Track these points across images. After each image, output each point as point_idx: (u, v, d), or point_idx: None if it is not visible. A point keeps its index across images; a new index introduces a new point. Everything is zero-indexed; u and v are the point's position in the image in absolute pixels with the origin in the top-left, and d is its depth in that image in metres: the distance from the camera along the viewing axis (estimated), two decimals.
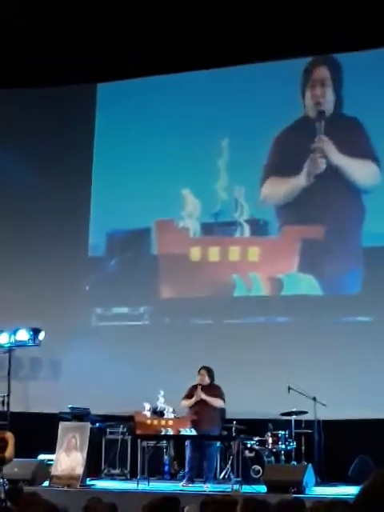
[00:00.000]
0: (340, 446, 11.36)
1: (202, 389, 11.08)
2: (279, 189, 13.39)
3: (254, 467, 11.37)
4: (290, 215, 13.32)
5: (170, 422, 10.91)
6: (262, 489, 10.09)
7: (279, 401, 11.59)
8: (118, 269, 14.21)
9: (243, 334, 12.86)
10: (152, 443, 11.59)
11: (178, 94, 14.15)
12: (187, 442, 11.19)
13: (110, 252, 14.34)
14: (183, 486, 10.75)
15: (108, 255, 14.35)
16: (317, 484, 10.64)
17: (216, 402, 11.05)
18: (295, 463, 11.30)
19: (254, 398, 12.05)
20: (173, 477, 12.17)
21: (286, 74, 13.47)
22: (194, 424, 10.86)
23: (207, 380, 11.20)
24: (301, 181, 13.25)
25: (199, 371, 11.24)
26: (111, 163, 14.44)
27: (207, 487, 10.51)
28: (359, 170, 12.99)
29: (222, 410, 11.44)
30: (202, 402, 11.02)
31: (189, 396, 11.20)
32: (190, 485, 10.76)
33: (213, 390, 11.16)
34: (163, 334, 13.41)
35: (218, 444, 11.41)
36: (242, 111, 13.67)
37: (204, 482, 10.74)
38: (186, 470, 11.07)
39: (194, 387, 11.21)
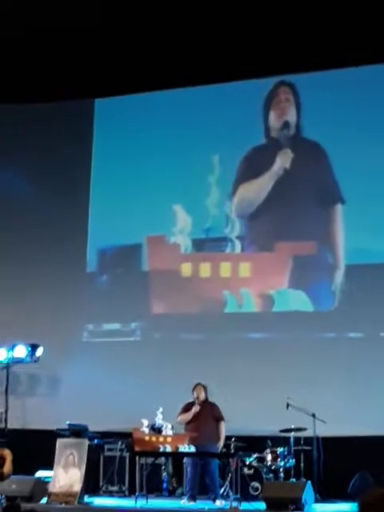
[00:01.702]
0: (339, 462, 11.31)
1: (199, 405, 11.04)
2: (248, 193, 13.42)
3: (252, 484, 11.32)
4: (281, 231, 13.34)
5: (169, 439, 10.87)
6: (261, 506, 10.05)
7: (278, 417, 11.54)
8: (110, 284, 14.20)
9: (237, 351, 12.84)
10: (150, 460, 11.53)
11: (168, 110, 14.21)
12: (186, 460, 11.15)
13: (101, 268, 14.33)
14: (185, 503, 10.67)
15: (99, 271, 14.34)
16: (316, 501, 10.60)
17: (223, 431, 11.05)
18: (294, 480, 11.24)
19: (252, 414, 12.00)
20: (171, 494, 12.11)
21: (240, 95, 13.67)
22: (194, 440, 10.82)
23: (204, 396, 11.20)
24: (266, 180, 13.31)
25: (195, 388, 11.21)
26: (107, 178, 14.47)
27: (221, 504, 10.47)
28: (321, 187, 13.14)
29: None
30: (200, 417, 10.98)
31: (183, 412, 11.15)
32: (192, 503, 10.70)
33: (210, 406, 11.13)
34: (157, 349, 13.38)
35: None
36: (233, 127, 13.70)
37: (213, 500, 10.66)
38: (187, 488, 11.00)
39: (189, 404, 11.16)
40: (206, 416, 11.03)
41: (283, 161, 13.31)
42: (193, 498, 10.81)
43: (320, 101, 13.22)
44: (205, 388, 11.23)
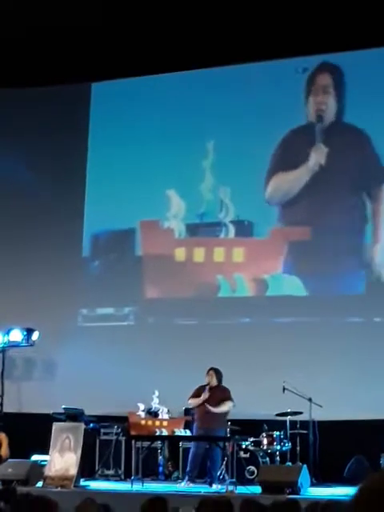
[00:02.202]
0: (335, 446, 11.33)
1: (210, 390, 11.00)
2: (283, 185, 13.34)
3: (248, 468, 11.33)
4: (276, 216, 13.30)
5: (165, 423, 10.88)
6: (257, 490, 10.05)
7: (274, 401, 11.55)
8: (103, 269, 14.18)
9: (232, 335, 12.82)
10: (146, 444, 11.53)
11: (164, 95, 14.12)
12: (190, 444, 11.15)
13: (95, 252, 14.32)
14: (184, 486, 10.67)
15: (93, 256, 14.32)
16: (312, 485, 10.60)
17: (224, 408, 10.97)
18: (290, 464, 11.26)
19: (249, 398, 12.00)
20: (167, 477, 12.14)
21: (275, 77, 13.47)
22: (200, 423, 10.82)
23: (215, 381, 11.10)
24: (303, 174, 13.20)
25: (208, 372, 11.15)
26: (102, 163, 14.41)
27: (218, 488, 10.44)
28: (358, 169, 12.97)
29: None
30: (208, 402, 10.92)
31: (196, 395, 11.11)
32: (192, 485, 10.69)
33: (220, 391, 11.06)
34: (152, 334, 13.36)
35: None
36: (228, 113, 13.64)
37: (210, 484, 10.66)
38: (188, 469, 11.00)
39: (202, 387, 11.11)
40: (214, 401, 10.95)
41: (318, 157, 13.10)
42: (192, 479, 10.82)
43: (363, 83, 13.05)
44: (217, 373, 11.12)
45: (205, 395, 10.96)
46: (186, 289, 13.49)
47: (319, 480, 11.14)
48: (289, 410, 11.45)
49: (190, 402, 11.18)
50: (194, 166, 13.67)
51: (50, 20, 13.50)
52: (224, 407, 10.96)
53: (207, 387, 11.02)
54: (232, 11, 12.95)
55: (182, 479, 11.10)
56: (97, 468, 12.36)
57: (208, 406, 10.87)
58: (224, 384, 11.19)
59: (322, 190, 13.08)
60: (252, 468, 11.31)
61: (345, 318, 12.67)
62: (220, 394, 11.03)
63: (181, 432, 10.89)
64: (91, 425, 12.13)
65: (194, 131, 13.77)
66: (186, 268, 13.64)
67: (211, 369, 11.15)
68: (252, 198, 13.32)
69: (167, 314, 13.57)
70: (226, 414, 11.08)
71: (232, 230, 13.55)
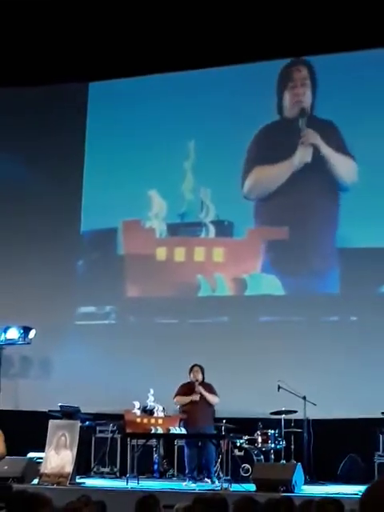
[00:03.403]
0: (329, 445, 11.39)
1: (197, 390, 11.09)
2: (266, 176, 13.41)
3: (243, 466, 11.38)
4: (255, 216, 13.38)
5: (160, 421, 10.93)
6: (251, 487, 10.09)
7: (268, 400, 11.61)
8: (86, 269, 14.25)
9: (219, 334, 12.88)
10: (142, 442, 11.58)
11: (147, 95, 14.17)
12: (183, 442, 11.20)
13: (79, 252, 14.42)
14: (186, 485, 10.72)
15: (78, 255, 14.44)
16: (306, 483, 10.65)
17: (214, 399, 11.08)
18: (284, 462, 11.32)
19: (244, 397, 12.06)
20: (162, 475, 12.18)
21: (256, 76, 13.55)
22: (190, 421, 10.89)
23: (200, 377, 11.22)
24: (288, 167, 13.26)
25: (192, 368, 11.24)
26: (98, 163, 14.46)
27: (213, 483, 10.53)
28: (340, 167, 13.03)
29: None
30: (196, 400, 11.01)
31: (182, 393, 11.19)
32: (194, 485, 10.73)
33: (207, 387, 11.17)
34: (140, 333, 13.38)
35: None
36: (209, 113, 13.73)
37: (206, 478, 10.75)
38: (187, 470, 11.05)
39: (186, 384, 11.19)
40: (202, 398, 11.07)
41: (303, 155, 13.21)
42: (194, 479, 10.89)
43: (330, 82, 13.24)
44: (201, 369, 11.25)
45: (195, 397, 11.03)
46: (167, 288, 13.58)
47: (313, 478, 11.20)
48: (283, 409, 11.50)
49: (176, 400, 11.24)
50: (176, 166, 13.76)
51: (48, 19, 13.54)
52: (214, 398, 11.09)
53: (196, 383, 11.09)
54: (213, 16, 13.05)
55: (184, 480, 11.10)
56: (92, 465, 12.41)
57: (205, 392, 10.95)
58: (220, 381, 11.26)
59: (300, 188, 13.17)
60: (246, 466, 11.36)
61: (323, 316, 12.73)
62: (207, 389, 11.13)
63: (176, 430, 10.93)
64: (87, 422, 12.19)
65: (176, 132, 13.86)
66: (167, 267, 13.75)
67: (195, 365, 11.25)
68: (232, 198, 13.40)
69: (148, 313, 13.62)
70: (213, 410, 11.19)
71: (212, 230, 13.65)
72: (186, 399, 11.16)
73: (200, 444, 11.11)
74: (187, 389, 11.19)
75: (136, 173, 13.95)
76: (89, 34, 13.66)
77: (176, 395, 11.24)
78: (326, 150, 13.11)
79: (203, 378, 11.27)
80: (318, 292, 12.90)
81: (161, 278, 13.66)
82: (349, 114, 12.98)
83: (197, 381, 11.16)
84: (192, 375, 11.23)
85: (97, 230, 14.22)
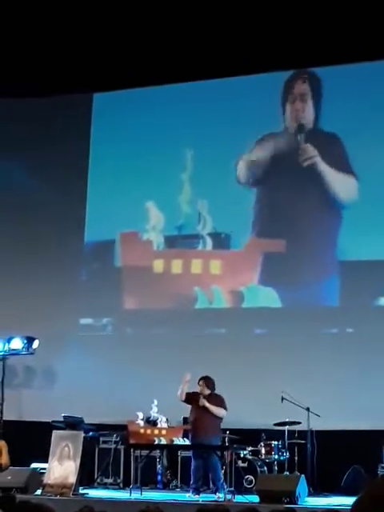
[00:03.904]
0: (333, 456, 11.36)
1: (204, 397, 11.01)
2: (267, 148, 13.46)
3: (246, 477, 11.36)
4: (252, 228, 13.41)
5: (164, 432, 10.92)
6: (255, 499, 10.09)
7: (272, 411, 11.60)
8: (88, 279, 14.30)
9: (221, 345, 12.85)
10: (145, 452, 11.57)
11: (147, 107, 14.22)
12: (190, 453, 11.18)
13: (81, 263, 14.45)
14: (189, 497, 10.65)
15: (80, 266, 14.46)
16: (309, 494, 10.64)
17: (220, 411, 10.96)
18: (288, 473, 11.29)
19: (246, 408, 12.04)
20: (166, 486, 12.16)
21: (257, 89, 13.60)
22: (195, 432, 10.85)
23: (207, 391, 11.08)
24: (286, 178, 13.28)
25: (198, 382, 11.15)
26: (100, 173, 14.49)
27: (219, 498, 10.41)
28: (339, 183, 13.05)
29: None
30: (202, 410, 10.93)
31: (186, 400, 11.07)
32: (197, 496, 10.66)
33: (214, 399, 11.04)
34: (141, 344, 13.35)
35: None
36: (206, 125, 13.77)
37: (214, 493, 10.66)
38: (192, 481, 10.94)
39: (191, 393, 11.09)
40: (207, 410, 10.95)
41: (302, 169, 13.29)
42: (197, 491, 10.80)
43: (335, 95, 13.24)
44: (207, 381, 11.09)
45: (201, 403, 10.92)
46: (164, 300, 13.59)
47: (317, 490, 11.18)
48: (287, 420, 11.49)
49: (179, 393, 11.06)
50: (173, 177, 13.81)
51: (53, 30, 13.59)
52: (219, 411, 10.95)
53: (201, 396, 10.99)
54: (214, 27, 13.08)
55: (188, 491, 10.99)
56: (96, 476, 12.39)
57: (206, 402, 10.88)
58: (221, 393, 11.21)
59: (298, 201, 13.17)
60: (250, 477, 11.34)
61: (322, 328, 12.74)
62: (214, 401, 11.00)
63: (179, 441, 10.92)
64: (90, 433, 12.16)
65: (173, 143, 13.90)
66: (164, 279, 13.76)
67: (201, 378, 11.11)
68: (229, 210, 13.42)
69: (145, 325, 13.62)
70: (219, 422, 11.08)
71: (209, 242, 13.68)
72: (182, 395, 11.02)
73: (205, 456, 11.03)
74: (192, 397, 11.09)
75: (134, 185, 13.98)
76: (92, 45, 13.71)
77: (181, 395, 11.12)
78: (325, 167, 13.12)
79: (213, 390, 11.13)
80: (314, 304, 12.91)
81: (158, 290, 13.67)
82: (353, 125, 12.99)
83: (201, 394, 11.04)
84: (199, 388, 11.12)
85: (98, 241, 14.26)
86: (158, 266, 13.87)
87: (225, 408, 10.97)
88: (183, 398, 11.00)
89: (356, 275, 12.60)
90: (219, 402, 11.01)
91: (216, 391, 11.16)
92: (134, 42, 13.60)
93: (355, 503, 2.42)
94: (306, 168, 13.23)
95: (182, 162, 13.83)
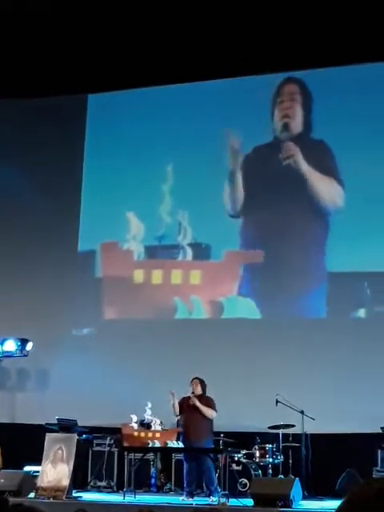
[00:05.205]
0: (327, 459, 11.35)
1: (196, 397, 11.02)
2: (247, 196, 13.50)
3: (241, 480, 11.33)
4: (231, 240, 13.41)
5: (157, 435, 10.89)
6: (249, 502, 10.06)
7: (265, 414, 11.57)
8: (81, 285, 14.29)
9: (216, 350, 12.83)
10: (139, 455, 11.54)
11: (125, 114, 14.28)
12: (182, 456, 11.14)
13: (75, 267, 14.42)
14: (183, 500, 10.64)
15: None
16: (304, 498, 10.61)
17: (210, 412, 10.98)
18: (282, 477, 11.27)
19: (242, 411, 12.02)
20: (159, 489, 12.13)
21: (243, 98, 13.62)
22: (186, 435, 10.82)
23: (199, 390, 11.14)
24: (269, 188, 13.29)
25: (192, 381, 11.19)
26: (95, 178, 14.47)
27: (212, 501, 10.39)
28: (324, 188, 13.07)
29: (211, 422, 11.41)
30: (192, 412, 10.94)
31: (179, 407, 11.09)
32: (191, 499, 10.64)
33: (204, 400, 11.08)
34: (132, 350, 13.32)
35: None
36: (186, 136, 13.76)
37: (208, 496, 10.65)
38: (185, 484, 10.94)
39: (185, 399, 11.11)
40: (198, 412, 10.96)
41: (284, 175, 13.30)
42: (191, 494, 10.78)
43: (323, 101, 13.26)
44: (201, 382, 11.17)
45: (192, 402, 10.93)
46: (144, 310, 13.58)
47: (311, 493, 11.15)
48: (281, 423, 11.46)
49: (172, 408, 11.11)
50: (154, 188, 13.81)
51: (47, 32, 13.57)
52: (209, 411, 10.95)
53: (192, 395, 11.02)
54: (203, 32, 13.10)
55: (182, 495, 10.97)
56: (89, 479, 12.35)
57: (196, 402, 10.88)
58: (214, 396, 11.20)
59: (279, 211, 13.16)
60: (244, 480, 11.31)
61: (306, 338, 12.71)
62: (204, 402, 11.03)
63: (173, 444, 10.89)
64: (84, 436, 12.14)
65: (154, 153, 13.89)
66: (145, 290, 13.76)
67: (195, 378, 11.18)
68: (210, 221, 13.45)
69: (125, 335, 13.54)
70: (210, 424, 11.08)
71: (189, 252, 13.69)
72: (176, 408, 11.03)
73: (197, 458, 11.01)
74: (182, 401, 11.10)
75: (114, 194, 13.99)
76: (87, 47, 13.69)
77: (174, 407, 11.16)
78: (311, 173, 13.16)
79: (204, 392, 11.19)
80: (295, 315, 12.91)
81: (138, 301, 13.67)
82: (341, 132, 12.99)
83: (193, 393, 11.09)
84: (192, 388, 11.16)
85: (84, 250, 14.25)
86: (139, 276, 13.88)
87: (214, 409, 10.99)
88: (178, 412, 11.02)
89: (339, 286, 12.65)
90: (209, 403, 11.02)
91: (210, 393, 11.17)
92: (127, 43, 13.58)
93: (340, 506, 2.40)
94: (291, 175, 13.21)
95: (162, 172, 13.82)
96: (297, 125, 13.50)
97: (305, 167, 13.17)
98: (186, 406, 11.05)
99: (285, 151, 13.34)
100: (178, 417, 11.13)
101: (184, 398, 11.13)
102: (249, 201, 13.49)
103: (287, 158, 13.29)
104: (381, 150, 12.69)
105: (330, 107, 13.16)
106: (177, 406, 10.99)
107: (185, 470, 11.00)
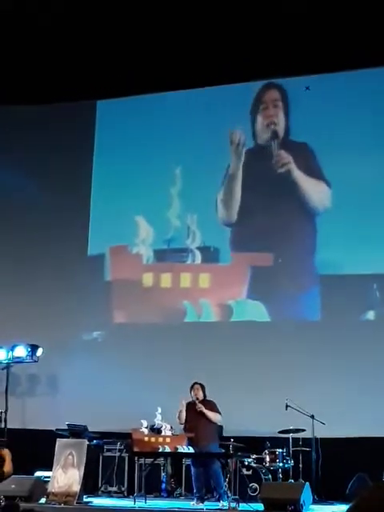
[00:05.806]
0: (337, 464, 11.34)
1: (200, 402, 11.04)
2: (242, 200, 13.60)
3: (251, 485, 11.34)
4: (240, 242, 13.45)
5: (168, 440, 10.89)
6: (260, 507, 10.06)
7: (275, 419, 11.58)
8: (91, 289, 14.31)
9: (222, 355, 12.84)
10: (149, 460, 11.55)
11: (136, 119, 14.33)
12: (189, 461, 11.14)
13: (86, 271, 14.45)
14: (193, 505, 10.63)
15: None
16: (314, 502, 10.62)
17: (216, 416, 11.00)
18: (293, 481, 11.26)
19: (252, 416, 12.03)
20: (170, 494, 12.13)
21: (240, 100, 13.70)
22: (192, 440, 10.83)
23: (201, 395, 11.17)
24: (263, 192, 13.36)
25: (193, 386, 11.20)
26: (104, 183, 14.52)
27: (223, 506, 10.41)
28: (313, 190, 13.13)
29: (220, 427, 11.41)
30: (199, 418, 10.95)
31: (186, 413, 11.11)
32: (202, 504, 10.63)
33: (208, 404, 11.10)
34: (141, 353, 13.35)
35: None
36: (195, 139, 13.81)
37: (218, 500, 10.66)
38: (194, 489, 10.94)
39: (187, 404, 11.11)
40: (204, 416, 10.97)
41: (277, 179, 13.35)
42: (201, 499, 10.78)
43: (303, 105, 13.38)
44: (202, 387, 11.21)
45: (198, 408, 10.94)
46: (154, 314, 13.59)
47: (321, 498, 11.15)
48: (291, 427, 11.46)
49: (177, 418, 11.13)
50: (162, 192, 13.85)
51: (58, 39, 13.63)
52: (215, 416, 10.97)
53: (197, 401, 11.03)
54: (219, 31, 13.14)
55: (192, 499, 10.97)
56: (100, 485, 12.37)
57: (205, 410, 10.89)
58: (230, 400, 11.21)
59: (278, 213, 13.21)
60: (254, 485, 11.32)
61: (313, 340, 12.71)
62: (208, 406, 11.03)
63: (183, 449, 10.89)
64: (94, 441, 12.14)
65: (162, 156, 13.95)
66: (154, 293, 13.79)
67: (196, 383, 11.20)
68: (218, 224, 13.57)
69: (135, 338, 13.58)
70: (216, 428, 11.11)
71: (198, 256, 13.72)
72: (182, 416, 11.05)
73: (206, 463, 11.01)
74: (187, 407, 11.09)
75: (123, 198, 14.04)
76: (96, 54, 13.75)
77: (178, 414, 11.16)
78: (299, 174, 13.22)
79: (205, 396, 11.21)
80: (299, 318, 12.91)
81: (147, 304, 13.69)
82: (323, 134, 13.10)
83: (197, 399, 11.10)
84: (193, 393, 11.17)
85: (94, 254, 14.27)
86: (148, 279, 13.92)
87: (219, 412, 11.01)
88: (184, 420, 11.03)
89: (338, 289, 12.65)
90: (213, 407, 11.05)
91: (217, 399, 11.17)
92: (126, 52, 13.67)
93: (349, 509, 2.42)
94: (283, 180, 13.29)
95: (171, 176, 13.86)
96: (281, 130, 13.61)
97: (296, 172, 13.25)
98: (190, 410, 11.06)
99: (278, 159, 13.39)
100: (182, 425, 11.13)
101: (188, 403, 11.14)
102: (248, 203, 13.54)
103: (282, 165, 13.34)
104: (362, 152, 12.78)
105: (310, 111, 13.30)
106: (184, 415, 11.01)
107: (193, 476, 11.00)
